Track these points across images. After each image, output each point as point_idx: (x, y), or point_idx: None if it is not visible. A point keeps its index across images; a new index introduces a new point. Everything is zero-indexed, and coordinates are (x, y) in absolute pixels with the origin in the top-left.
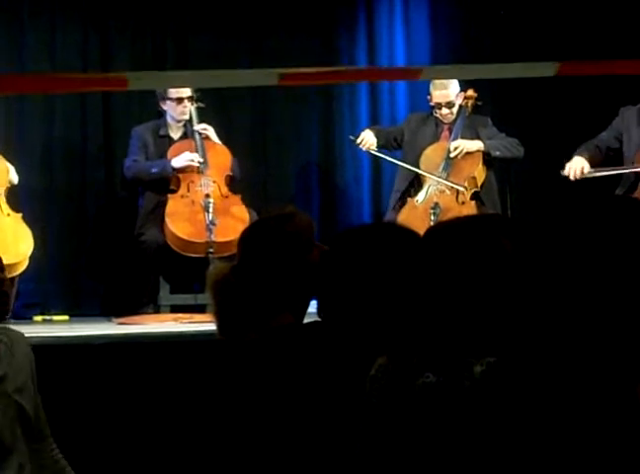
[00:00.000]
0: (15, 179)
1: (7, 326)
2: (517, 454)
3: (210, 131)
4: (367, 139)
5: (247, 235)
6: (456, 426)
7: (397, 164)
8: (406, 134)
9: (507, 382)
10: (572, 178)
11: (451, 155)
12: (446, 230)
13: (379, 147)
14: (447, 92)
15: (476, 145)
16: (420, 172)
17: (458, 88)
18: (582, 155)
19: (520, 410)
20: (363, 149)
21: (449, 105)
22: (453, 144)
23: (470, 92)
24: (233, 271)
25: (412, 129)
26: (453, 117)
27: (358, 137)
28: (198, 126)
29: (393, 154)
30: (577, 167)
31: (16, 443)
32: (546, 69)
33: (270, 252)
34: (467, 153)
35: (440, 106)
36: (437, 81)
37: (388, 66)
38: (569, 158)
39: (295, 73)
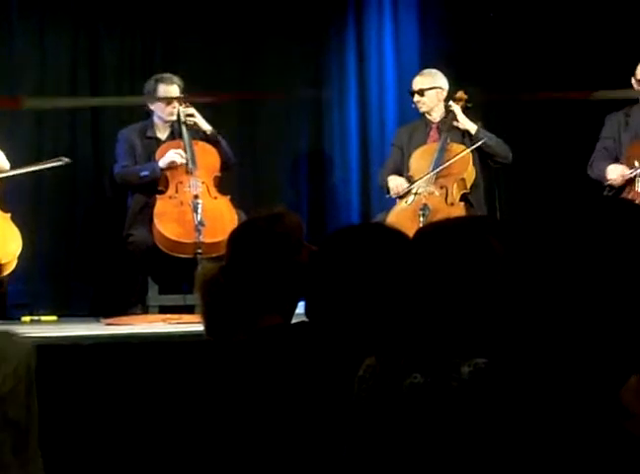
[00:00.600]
0: (6, 164)
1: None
2: (503, 455)
3: (198, 118)
4: (397, 184)
5: (236, 235)
6: (444, 426)
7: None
8: (404, 148)
9: (495, 383)
10: (620, 184)
11: (447, 108)
12: (436, 231)
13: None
14: (419, 79)
15: (469, 124)
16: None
17: (435, 83)
18: (609, 162)
19: (508, 411)
20: (399, 194)
21: (420, 93)
22: (451, 104)
23: (460, 94)
24: (222, 271)
25: (404, 142)
26: (426, 108)
27: (389, 192)
28: (184, 110)
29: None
30: (618, 172)
31: (2, 457)
32: None
33: (259, 252)
34: (458, 154)
35: (412, 93)
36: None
37: None
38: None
39: None
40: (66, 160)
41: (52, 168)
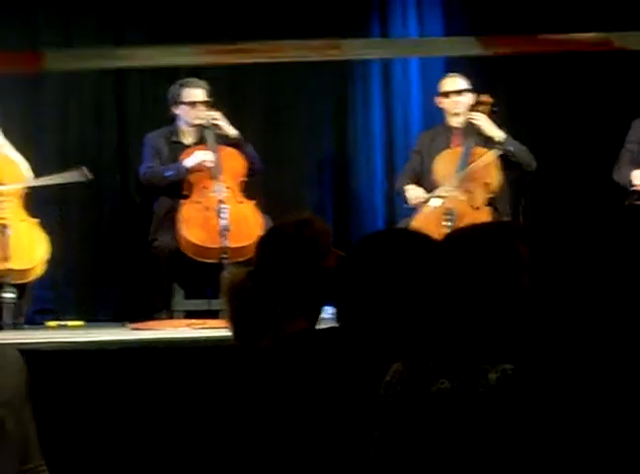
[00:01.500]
0: (29, 175)
1: None
2: (530, 461)
3: (222, 120)
4: (416, 194)
5: (264, 240)
6: (470, 432)
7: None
8: (423, 154)
9: (522, 389)
10: None
11: (469, 119)
12: (464, 236)
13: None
14: (459, 79)
15: (495, 131)
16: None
17: (469, 86)
18: (635, 167)
19: (535, 417)
20: (418, 204)
21: (460, 93)
22: (475, 115)
23: (485, 97)
24: (249, 276)
25: (425, 147)
26: (463, 109)
27: (408, 203)
28: (207, 115)
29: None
30: None
31: None
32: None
33: (287, 257)
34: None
35: (446, 94)
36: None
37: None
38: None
39: None
40: (87, 174)
41: (73, 182)
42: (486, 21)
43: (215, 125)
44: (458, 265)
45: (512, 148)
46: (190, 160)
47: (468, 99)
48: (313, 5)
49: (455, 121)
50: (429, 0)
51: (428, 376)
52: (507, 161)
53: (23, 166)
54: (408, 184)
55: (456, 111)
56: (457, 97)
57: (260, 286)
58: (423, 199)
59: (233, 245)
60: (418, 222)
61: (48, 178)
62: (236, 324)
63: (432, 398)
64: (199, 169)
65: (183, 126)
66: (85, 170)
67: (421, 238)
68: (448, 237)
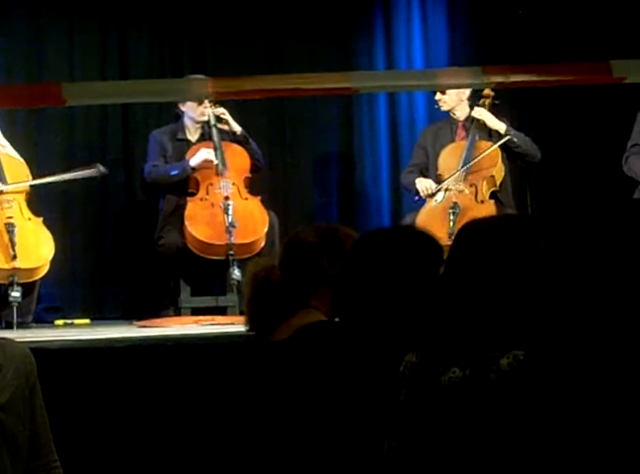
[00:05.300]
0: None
1: (4, 337)
2: (544, 447)
3: (229, 118)
4: (427, 186)
5: (294, 240)
6: (484, 419)
7: (447, 180)
8: (428, 149)
9: (534, 375)
10: None
11: (473, 115)
12: (479, 227)
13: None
14: None
15: (498, 124)
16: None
17: None
18: None
19: (548, 402)
20: (429, 195)
21: (441, 91)
22: (477, 110)
23: (487, 91)
24: (280, 266)
25: (430, 141)
26: (447, 107)
27: (418, 194)
28: (215, 110)
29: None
30: None
31: None
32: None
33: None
34: (486, 153)
35: (434, 92)
36: None
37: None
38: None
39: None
40: (102, 170)
41: (87, 177)
42: (490, 15)
43: (221, 121)
44: (473, 254)
45: (516, 140)
46: (194, 159)
47: (454, 94)
48: (318, 3)
49: (457, 115)
50: None
51: (439, 365)
52: (510, 153)
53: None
54: (413, 177)
55: (443, 108)
56: (440, 95)
57: (283, 279)
58: (433, 191)
59: (239, 241)
60: (423, 217)
61: (63, 175)
62: (253, 311)
63: (444, 387)
64: (204, 167)
65: (188, 123)
66: (100, 166)
67: (421, 234)
68: (464, 227)
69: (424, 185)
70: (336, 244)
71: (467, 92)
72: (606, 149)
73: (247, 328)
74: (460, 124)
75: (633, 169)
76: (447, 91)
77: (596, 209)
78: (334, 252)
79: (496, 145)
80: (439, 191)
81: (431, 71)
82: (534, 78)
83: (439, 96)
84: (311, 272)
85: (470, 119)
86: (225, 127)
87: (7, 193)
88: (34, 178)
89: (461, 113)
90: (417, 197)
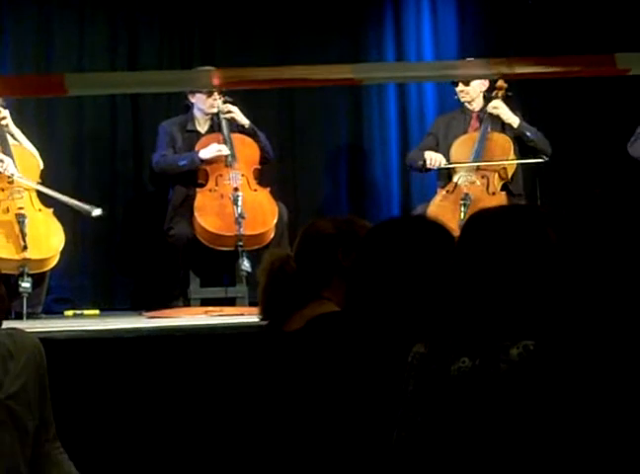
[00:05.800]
0: (40, 162)
1: (15, 328)
2: (554, 437)
3: (236, 112)
4: (435, 157)
5: (309, 231)
6: (494, 409)
7: (451, 167)
8: (439, 137)
9: (544, 364)
10: None
11: (489, 110)
12: (488, 216)
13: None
14: None
15: (512, 118)
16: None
17: None
18: None
19: (558, 392)
20: (435, 167)
21: (466, 82)
22: (493, 104)
23: (500, 82)
24: (295, 257)
25: (442, 130)
26: (469, 98)
27: (424, 162)
28: (223, 107)
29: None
30: None
31: (2, 448)
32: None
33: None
34: (500, 139)
35: (455, 83)
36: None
37: None
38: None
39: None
40: (98, 212)
41: (84, 211)
42: (500, 8)
43: (229, 112)
44: (483, 243)
45: (529, 133)
46: (205, 152)
47: (478, 85)
48: None
49: (472, 106)
50: None
51: (449, 355)
52: (522, 147)
53: (38, 158)
54: (421, 153)
55: (464, 99)
56: (463, 86)
57: (298, 269)
58: (441, 166)
59: (248, 232)
60: (433, 208)
61: (67, 198)
62: (267, 300)
63: (453, 377)
64: (214, 159)
65: (198, 115)
66: (98, 210)
67: (433, 223)
68: (473, 216)
69: (432, 155)
70: (351, 236)
71: (487, 83)
72: (616, 143)
73: (260, 317)
74: (475, 115)
75: (637, 152)
76: (472, 82)
77: (604, 199)
78: (349, 244)
79: (508, 137)
80: (447, 170)
81: (444, 63)
82: (539, 69)
83: (461, 87)
84: (326, 263)
85: (484, 111)
86: (233, 115)
87: (18, 184)
88: (43, 173)
89: (477, 104)
90: (420, 163)
